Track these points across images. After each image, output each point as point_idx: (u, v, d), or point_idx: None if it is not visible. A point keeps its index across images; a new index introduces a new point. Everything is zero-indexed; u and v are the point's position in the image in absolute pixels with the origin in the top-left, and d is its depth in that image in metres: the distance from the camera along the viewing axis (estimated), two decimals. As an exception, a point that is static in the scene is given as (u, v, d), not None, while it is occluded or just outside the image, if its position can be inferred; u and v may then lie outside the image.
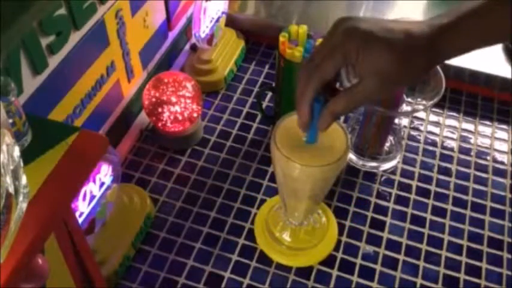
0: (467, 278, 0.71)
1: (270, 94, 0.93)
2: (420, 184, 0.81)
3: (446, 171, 0.82)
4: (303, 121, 0.54)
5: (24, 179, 0.39)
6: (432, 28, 0.50)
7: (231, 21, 0.98)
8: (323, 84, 0.51)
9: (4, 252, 0.38)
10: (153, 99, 0.77)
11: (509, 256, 0.73)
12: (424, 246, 0.74)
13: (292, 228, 0.73)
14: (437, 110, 0.91)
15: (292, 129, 0.59)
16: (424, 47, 0.50)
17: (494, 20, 0.50)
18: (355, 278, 0.70)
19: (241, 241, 0.74)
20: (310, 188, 0.62)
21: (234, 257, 0.72)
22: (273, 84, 0.83)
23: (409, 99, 0.75)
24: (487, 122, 0.90)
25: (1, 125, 0.35)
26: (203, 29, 0.88)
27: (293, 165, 0.58)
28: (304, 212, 0.69)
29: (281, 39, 0.73)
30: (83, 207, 0.61)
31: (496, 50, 0.93)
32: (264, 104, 0.91)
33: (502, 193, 0.80)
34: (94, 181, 0.62)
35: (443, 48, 0.51)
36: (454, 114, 0.91)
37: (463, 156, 0.85)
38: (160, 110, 0.78)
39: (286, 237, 0.73)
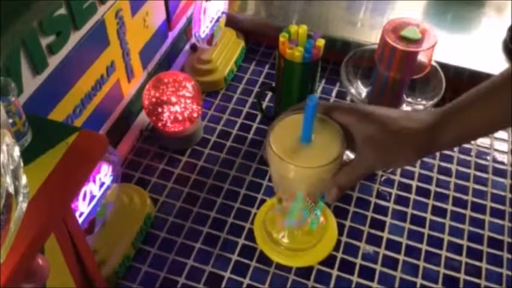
0: (467, 278, 0.71)
1: (270, 94, 0.92)
2: (420, 184, 0.81)
3: (446, 171, 0.82)
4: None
5: (24, 179, 0.39)
6: (431, 115, 0.53)
7: (231, 21, 0.98)
8: None
9: (4, 252, 0.38)
10: (153, 99, 0.77)
11: (509, 256, 0.73)
12: (424, 246, 0.74)
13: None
14: (437, 110, 0.91)
15: (287, 130, 0.58)
16: (420, 132, 0.53)
17: (495, 107, 0.52)
18: (355, 278, 0.70)
19: (241, 241, 0.74)
20: (306, 188, 0.62)
21: (234, 257, 0.72)
22: (273, 84, 0.83)
23: (409, 99, 0.75)
24: (487, 122, 0.89)
25: (1, 125, 0.35)
26: (203, 29, 0.88)
27: (288, 166, 0.57)
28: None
29: (281, 39, 0.73)
30: (83, 207, 0.61)
31: (496, 50, 0.93)
32: (264, 104, 0.91)
33: (502, 193, 0.80)
34: (94, 181, 0.62)
35: (439, 135, 0.53)
36: (454, 114, 0.90)
37: (463, 156, 0.84)
38: (160, 110, 0.78)
39: (284, 238, 0.72)
